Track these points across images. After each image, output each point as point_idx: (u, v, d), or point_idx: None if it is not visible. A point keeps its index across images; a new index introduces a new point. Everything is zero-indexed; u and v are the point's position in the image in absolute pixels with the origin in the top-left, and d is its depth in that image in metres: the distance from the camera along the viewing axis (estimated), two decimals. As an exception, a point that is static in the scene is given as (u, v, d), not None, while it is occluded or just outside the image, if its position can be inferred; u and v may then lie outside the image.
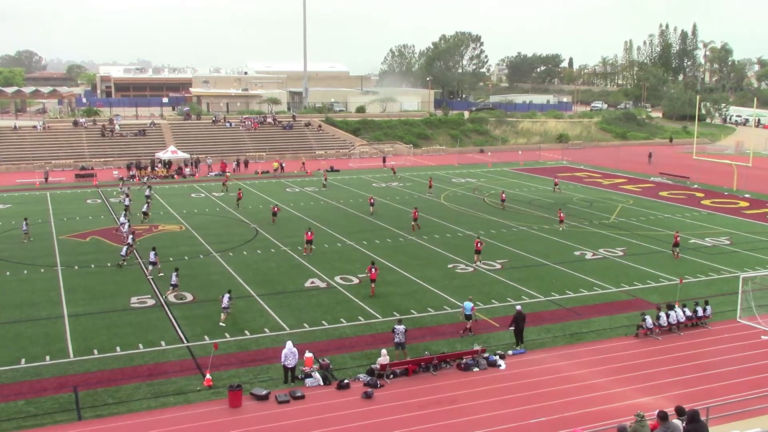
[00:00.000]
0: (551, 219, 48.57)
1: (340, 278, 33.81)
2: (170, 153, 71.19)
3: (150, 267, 33.94)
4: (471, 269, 35.62)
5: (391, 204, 54.36)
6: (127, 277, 33.89)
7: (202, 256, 37.69)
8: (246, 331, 26.94)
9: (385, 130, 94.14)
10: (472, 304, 27.48)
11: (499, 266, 36.27)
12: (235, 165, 71.48)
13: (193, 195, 58.08)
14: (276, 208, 47.88)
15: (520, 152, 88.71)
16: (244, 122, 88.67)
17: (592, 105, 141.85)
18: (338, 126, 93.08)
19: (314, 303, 30.23)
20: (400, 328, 24.58)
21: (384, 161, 77.28)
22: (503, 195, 55.38)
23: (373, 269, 31.72)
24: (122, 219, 43.80)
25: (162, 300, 30.32)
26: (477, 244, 37.02)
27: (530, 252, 39.26)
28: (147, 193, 52.37)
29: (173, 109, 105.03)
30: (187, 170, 70.49)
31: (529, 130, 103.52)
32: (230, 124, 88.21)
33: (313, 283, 33.00)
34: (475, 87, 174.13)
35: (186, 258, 37.38)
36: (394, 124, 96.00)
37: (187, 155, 73.06)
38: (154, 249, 34.76)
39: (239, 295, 31.14)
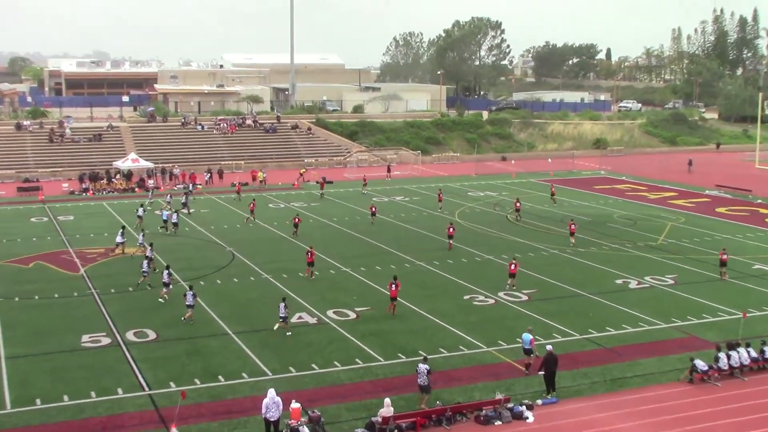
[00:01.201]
0: (589, 240, 48.51)
1: (334, 312, 33.63)
2: (131, 162, 71.41)
3: (164, 289, 35.11)
4: (492, 301, 35.46)
5: (395, 222, 54.31)
6: (79, 311, 33.75)
7: (149, 288, 37.41)
8: (220, 377, 26.76)
9: (388, 133, 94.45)
10: (531, 336, 27.39)
11: (525, 297, 36.15)
12: (207, 176, 71.52)
13: (157, 212, 58.13)
14: (297, 219, 49.57)
15: (549, 160, 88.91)
16: (219, 125, 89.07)
17: (621, 105, 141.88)
18: (331, 129, 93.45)
19: (302, 342, 30.03)
20: (423, 367, 24.54)
21: (388, 170, 77.50)
22: (518, 204, 55.40)
23: (393, 285, 33.16)
24: (140, 239, 44.04)
25: (119, 338, 30.17)
26: (511, 266, 37.50)
27: (563, 280, 39.11)
28: (183, 200, 56.81)
29: (135, 110, 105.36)
30: (150, 182, 70.62)
31: (560, 134, 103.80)
32: (202, 127, 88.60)
33: (301, 318, 32.83)
34: (496, 82, 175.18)
35: (148, 287, 37.25)
36: (398, 127, 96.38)
37: (150, 164, 73.26)
38: (168, 268, 35.53)
39: (211, 332, 30.97)
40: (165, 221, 50.91)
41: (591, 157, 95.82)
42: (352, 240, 48.78)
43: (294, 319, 32.53)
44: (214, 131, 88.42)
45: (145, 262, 38.49)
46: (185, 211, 56.37)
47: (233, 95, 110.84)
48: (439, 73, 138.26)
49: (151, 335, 30.70)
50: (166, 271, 35.19)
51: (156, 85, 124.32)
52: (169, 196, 60.14)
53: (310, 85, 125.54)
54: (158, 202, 60.78)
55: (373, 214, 54.67)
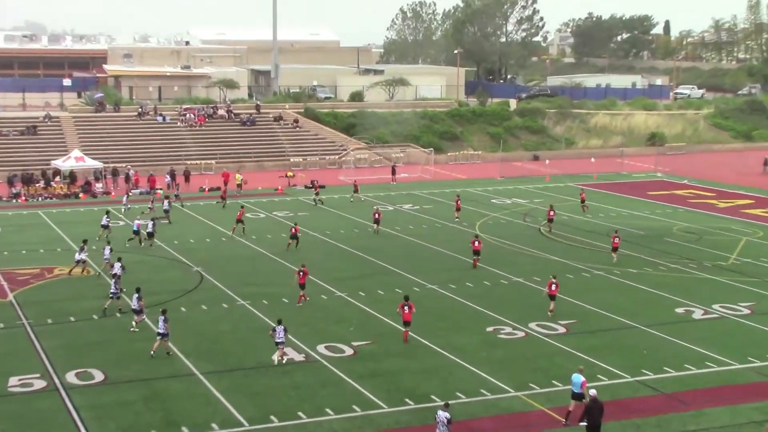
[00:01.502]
0: (642, 260, 48.52)
1: (326, 348, 33.61)
2: (74, 161, 71.54)
3: (135, 317, 35.51)
4: (521, 334, 35.43)
5: (401, 236, 54.35)
6: (6, 346, 33.74)
7: (118, 314, 37.54)
8: (184, 428, 26.73)
9: (393, 126, 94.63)
10: (583, 378, 27.40)
11: (563, 330, 36.11)
12: (168, 178, 71.62)
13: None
14: (296, 228, 50.21)
15: (592, 159, 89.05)
16: (185, 115, 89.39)
17: (676, 92, 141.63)
18: (323, 121, 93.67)
19: (287, 385, 30.02)
20: (443, 416, 24.72)
21: (393, 172, 77.62)
22: (551, 212, 55.36)
23: (406, 307, 34.27)
24: (105, 254, 44.18)
25: (57, 381, 30.14)
26: (551, 287, 37.91)
27: (609, 308, 39.08)
28: (166, 207, 57.84)
29: (79, 96, 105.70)
30: (98, 186, 70.72)
31: (605, 128, 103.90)
32: (164, 118, 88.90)
33: (285, 354, 32.83)
34: (526, 64, 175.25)
35: (95, 317, 37.21)
36: (406, 119, 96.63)
37: (99, 164, 73.46)
38: (138, 291, 35.60)
39: (173, 373, 30.95)
40: (135, 232, 51.04)
41: (644, 156, 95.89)
42: (348, 258, 48.75)
43: (276, 356, 32.48)
44: (179, 123, 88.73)
45: (113, 282, 38.57)
46: (166, 221, 56.73)
47: (202, 79, 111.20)
48: (456, 52, 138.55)
49: (98, 376, 30.62)
50: (135, 295, 35.47)
51: (105, 66, 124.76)
52: (151, 201, 60.94)
53: (298, 66, 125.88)
54: (133, 209, 60.79)
55: (377, 221, 54.93)
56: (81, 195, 68.77)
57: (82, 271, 44.10)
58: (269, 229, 56.12)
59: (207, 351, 33.27)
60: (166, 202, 58.73)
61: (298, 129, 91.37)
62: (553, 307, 37.80)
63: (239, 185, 70.16)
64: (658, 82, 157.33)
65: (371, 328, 36.22)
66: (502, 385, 29.96)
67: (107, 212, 54.57)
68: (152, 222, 51.77)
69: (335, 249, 50.71)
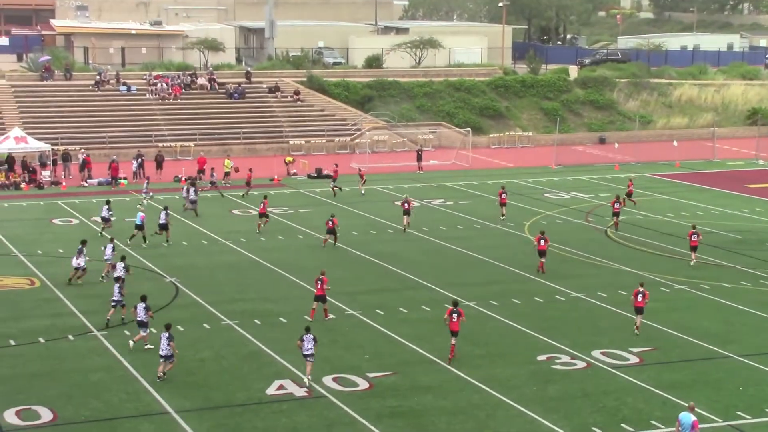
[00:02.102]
0: (736, 271, 48.42)
1: (334, 380, 33.76)
2: (13, 142, 71.80)
3: (141, 331, 36.44)
4: (582, 364, 35.48)
5: (430, 240, 54.47)
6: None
7: (71, 337, 37.80)
8: (154, 480, 26.96)
9: (420, 100, 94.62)
10: (694, 417, 27.51)
11: (636, 360, 36.10)
12: (136, 165, 71.85)
13: (56, 221, 58.55)
14: (333, 222, 51.88)
15: (675, 143, 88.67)
16: (155, 85, 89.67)
17: None
18: (331, 93, 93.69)
19: (284, 427, 30.18)
20: None
21: (419, 158, 77.66)
22: (616, 204, 55.19)
23: (455, 315, 35.48)
24: (107, 253, 45.49)
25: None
26: (638, 297, 38.63)
27: (695, 333, 39.03)
28: (191, 195, 59.86)
29: (19, 60, 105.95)
30: (45, 174, 70.96)
31: (692, 102, 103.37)
32: (128, 88, 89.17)
33: (282, 388, 33.05)
34: (590, 21, 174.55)
35: (40, 339, 37.45)
36: (436, 91, 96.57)
37: (46, 146, 73.77)
38: (144, 300, 36.73)
39: (142, 411, 31.17)
40: (139, 227, 51.86)
41: (742, 138, 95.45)
42: (363, 267, 48.91)
43: (272, 390, 32.71)
44: (148, 95, 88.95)
45: (116, 287, 39.36)
46: (190, 207, 59.55)
47: (177, 38, 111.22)
48: (501, 5, 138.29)
49: (46, 415, 30.73)
50: (142, 305, 36.35)
51: (53, 21, 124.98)
52: (145, 188, 61.88)
53: (299, 23, 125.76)
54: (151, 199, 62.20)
55: (407, 212, 55.54)
56: (23, 186, 69.18)
57: (76, 277, 44.72)
58: (263, 230, 56.20)
59: (184, 384, 33.35)
60: (191, 191, 59.61)
61: (299, 103, 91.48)
62: (640, 323, 38.34)
63: (227, 173, 70.40)
64: (763, 43, 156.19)
65: (392, 355, 36.34)
66: (558, 429, 29.97)
67: (107, 202, 55.04)
68: (164, 212, 52.83)
69: (346, 255, 50.77)
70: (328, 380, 33.65)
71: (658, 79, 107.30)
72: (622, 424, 30.37)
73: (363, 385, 33.40)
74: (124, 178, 69.93)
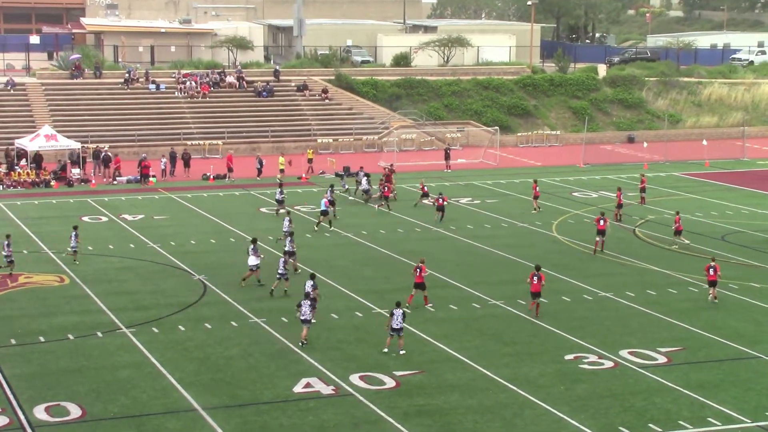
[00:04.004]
0: (764, 269, 48.33)
1: (360, 378, 33.79)
2: (43, 140, 72.19)
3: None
4: (609, 364, 35.37)
5: (457, 239, 54.48)
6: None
7: (100, 334, 38.02)
8: (181, 477, 27.02)
9: (448, 99, 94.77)
10: None
11: (663, 359, 35.99)
12: (164, 162, 72.19)
13: (86, 218, 58.86)
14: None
15: (705, 142, 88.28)
16: (184, 83, 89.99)
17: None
18: (359, 92, 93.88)
19: (312, 425, 30.18)
20: None
21: (447, 157, 77.61)
22: (678, 222, 54.67)
23: (536, 278, 40.40)
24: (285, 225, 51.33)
25: (23, 417, 30.48)
26: (709, 271, 42.96)
27: (724, 333, 38.90)
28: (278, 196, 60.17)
29: (50, 58, 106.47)
30: (75, 172, 71.32)
31: (722, 101, 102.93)
32: (157, 87, 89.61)
33: (309, 386, 33.09)
34: (620, 18, 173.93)
35: (69, 336, 37.66)
36: (465, 90, 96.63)
37: (76, 144, 74.16)
38: (312, 278, 41.14)
39: (170, 407, 31.30)
40: (324, 212, 56.03)
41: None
42: (389, 264, 48.93)
43: (298, 388, 32.76)
44: (176, 93, 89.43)
45: (281, 262, 43.38)
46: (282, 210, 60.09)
47: (206, 37, 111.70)
48: (529, 3, 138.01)
49: (74, 411, 30.87)
50: (310, 282, 39.42)
51: (83, 20, 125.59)
52: (280, 190, 60.66)
53: (327, 22, 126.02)
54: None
55: (441, 208, 57.06)
56: (53, 183, 69.61)
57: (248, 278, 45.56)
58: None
59: (211, 381, 33.48)
60: (278, 192, 59.94)
61: (327, 102, 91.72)
62: (715, 292, 42.90)
63: (282, 170, 71.07)
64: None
65: (419, 353, 36.33)
66: (585, 429, 29.88)
67: (281, 184, 60.98)
68: (329, 191, 58.46)
69: (374, 254, 50.82)
70: (354, 378, 33.67)
71: (687, 78, 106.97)
72: (650, 425, 30.25)
73: (390, 383, 33.40)
74: (153, 176, 70.16)
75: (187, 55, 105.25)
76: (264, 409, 31.28)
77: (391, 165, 69.59)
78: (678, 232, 52.95)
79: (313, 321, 37.05)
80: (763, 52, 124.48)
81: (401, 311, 35.52)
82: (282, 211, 58.03)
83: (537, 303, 40.98)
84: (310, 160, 74.68)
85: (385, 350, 35.83)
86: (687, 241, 52.86)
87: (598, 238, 51.06)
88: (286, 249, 45.92)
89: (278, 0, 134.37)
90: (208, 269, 47.43)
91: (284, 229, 49.78)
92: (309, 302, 37.01)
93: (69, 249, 48.56)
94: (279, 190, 59.93)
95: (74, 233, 48.27)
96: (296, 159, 74.68)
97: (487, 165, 79.95)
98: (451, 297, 43.33)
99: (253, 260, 44.66)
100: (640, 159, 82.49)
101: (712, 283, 42.97)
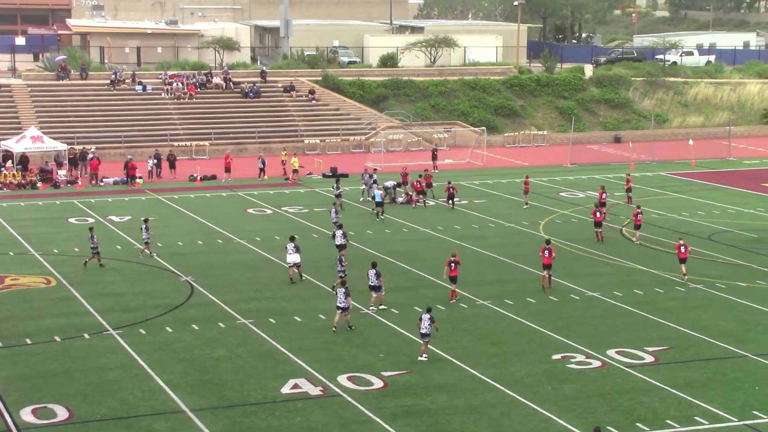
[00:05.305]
0: (754, 270, 48.37)
1: (348, 379, 33.79)
2: (29, 141, 72.10)
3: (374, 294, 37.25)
4: (597, 363, 35.41)
5: (445, 239, 54.53)
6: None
7: (87, 336, 37.97)
8: (169, 478, 26.98)
9: (436, 99, 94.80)
10: None
11: (651, 359, 36.02)
12: (152, 163, 72.05)
13: (72, 220, 58.75)
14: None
15: (691, 142, 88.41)
16: (171, 84, 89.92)
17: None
18: (346, 92, 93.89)
19: (299, 426, 30.21)
20: None
21: (434, 157, 77.63)
22: (637, 216, 54.70)
23: (546, 252, 44.28)
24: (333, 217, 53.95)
25: (9, 420, 30.41)
26: (680, 249, 45.63)
27: (711, 332, 38.93)
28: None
29: (36, 59, 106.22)
30: (61, 173, 71.16)
31: (708, 101, 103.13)
32: (143, 88, 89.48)
33: (297, 387, 33.08)
34: (605, 19, 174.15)
35: (56, 338, 37.60)
36: (452, 90, 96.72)
37: (62, 146, 74.06)
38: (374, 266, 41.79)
39: (157, 409, 31.27)
40: (379, 203, 58.92)
41: (758, 137, 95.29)
42: (378, 265, 48.92)
43: (286, 389, 32.76)
44: (163, 94, 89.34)
45: (338, 259, 44.50)
46: (402, 200, 63.84)
47: (192, 38, 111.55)
48: (516, 3, 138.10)
49: (61, 414, 30.84)
50: (372, 271, 41.34)
51: (70, 21, 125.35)
52: (337, 188, 61.40)
53: (314, 22, 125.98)
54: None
55: (451, 197, 61.10)
56: (39, 185, 69.43)
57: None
58: (278, 228, 56.29)
59: (199, 382, 33.46)
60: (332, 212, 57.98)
61: (314, 102, 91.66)
62: (686, 269, 45.54)
63: (295, 171, 71.48)
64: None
65: (406, 354, 36.32)
66: (572, 428, 29.91)
67: (337, 180, 63.23)
68: (391, 186, 62.30)
69: (360, 254, 50.83)
70: (342, 379, 33.67)
71: (673, 77, 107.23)
72: (638, 424, 30.30)
73: (378, 384, 33.41)
74: (140, 178, 70.04)
75: (173, 56, 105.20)
76: (252, 410, 31.27)
77: (427, 171, 68.37)
78: (637, 227, 53.77)
79: (348, 307, 38.44)
80: (691, 53, 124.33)
81: (428, 316, 35.41)
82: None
83: (549, 275, 43.90)
84: (283, 162, 74.08)
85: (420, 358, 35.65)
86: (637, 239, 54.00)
87: (597, 230, 53.57)
88: (338, 243, 48.14)
89: (265, 1, 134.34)
90: (195, 270, 47.39)
91: (333, 220, 53.30)
92: (343, 289, 38.29)
93: (141, 245, 50.30)
94: (336, 185, 61.60)
95: (144, 225, 49.50)
96: (272, 160, 74.48)
97: (474, 165, 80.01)
98: (439, 297, 43.22)
99: (295, 257, 45.25)
100: (627, 159, 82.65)
101: (683, 260, 45.67)
